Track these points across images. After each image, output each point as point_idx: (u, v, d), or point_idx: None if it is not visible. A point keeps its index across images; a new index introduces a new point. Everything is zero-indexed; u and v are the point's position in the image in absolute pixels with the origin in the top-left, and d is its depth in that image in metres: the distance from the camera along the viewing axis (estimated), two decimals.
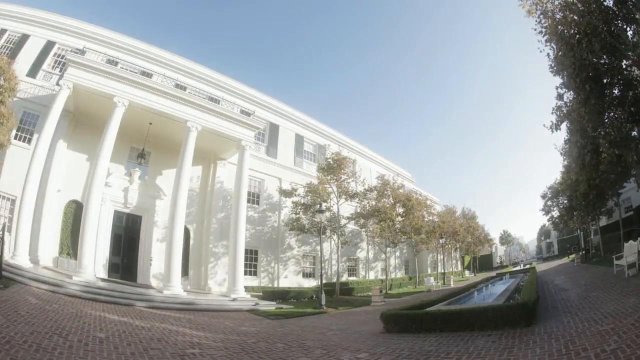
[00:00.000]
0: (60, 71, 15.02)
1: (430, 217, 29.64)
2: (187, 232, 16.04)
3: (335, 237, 19.75)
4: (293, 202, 19.38)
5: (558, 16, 9.43)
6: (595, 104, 9.27)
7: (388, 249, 23.49)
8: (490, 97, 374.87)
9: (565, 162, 21.18)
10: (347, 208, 23.24)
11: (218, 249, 16.98)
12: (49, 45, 15.79)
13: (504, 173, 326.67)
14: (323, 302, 13.66)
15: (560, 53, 9.71)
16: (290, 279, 20.59)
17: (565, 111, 11.07)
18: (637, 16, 8.04)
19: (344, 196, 20.24)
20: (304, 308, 13.53)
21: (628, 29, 8.67)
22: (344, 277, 23.05)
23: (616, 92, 9.60)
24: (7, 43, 15.29)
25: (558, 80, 10.51)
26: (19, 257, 10.37)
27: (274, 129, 22.64)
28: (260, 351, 5.60)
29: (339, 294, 17.70)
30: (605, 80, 9.37)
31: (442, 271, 35.54)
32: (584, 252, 28.37)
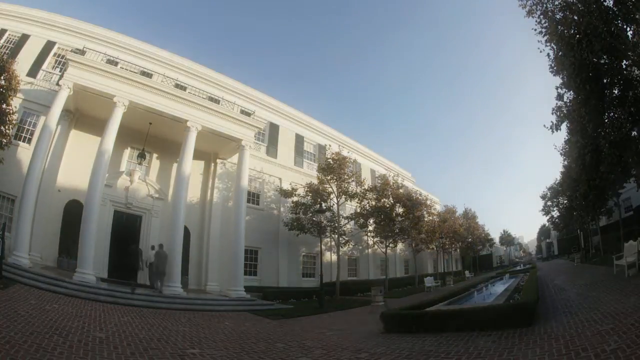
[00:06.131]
0: (60, 71, 15.01)
1: (431, 217, 29.61)
2: (187, 231, 16.02)
3: (335, 236, 19.73)
4: (293, 202, 19.36)
5: (558, 16, 9.43)
6: (595, 104, 9.27)
7: (388, 249, 23.46)
8: (490, 97, 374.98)
9: (566, 163, 21.16)
10: (347, 208, 23.23)
11: (218, 249, 16.96)
12: (49, 45, 15.77)
13: (504, 173, 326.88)
14: (323, 302, 13.66)
15: (560, 53, 9.71)
16: (290, 278, 20.55)
17: (565, 111, 11.06)
18: (637, 16, 8.04)
19: (344, 196, 20.22)
20: (304, 308, 13.52)
21: (628, 29, 8.66)
22: (344, 277, 23.02)
23: (616, 92, 9.59)
24: (7, 43, 15.27)
25: (558, 80, 10.51)
26: (19, 257, 10.36)
27: (274, 128, 22.62)
28: (260, 351, 5.60)
29: (339, 294, 17.69)
30: (605, 80, 9.37)
31: (442, 271, 35.52)
32: (584, 252, 28.39)
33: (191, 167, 14.64)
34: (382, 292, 16.25)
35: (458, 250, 42.50)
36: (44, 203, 12.78)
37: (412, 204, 24.18)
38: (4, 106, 10.95)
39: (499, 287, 14.40)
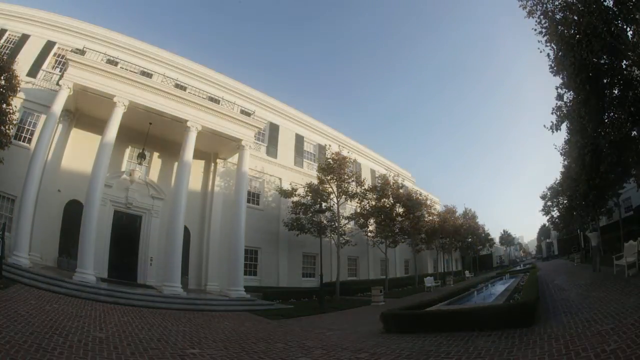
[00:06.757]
0: (60, 71, 14.99)
1: (431, 217, 29.62)
2: (187, 232, 16.03)
3: (335, 236, 19.73)
4: (293, 202, 19.36)
5: (558, 16, 9.42)
6: (595, 104, 9.27)
7: (388, 248, 23.47)
8: (490, 97, 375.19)
9: (566, 163, 21.14)
10: (347, 208, 23.22)
11: (218, 249, 16.96)
12: (49, 45, 15.77)
13: (504, 173, 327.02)
14: (323, 302, 13.66)
15: (560, 53, 9.71)
16: (290, 278, 20.56)
17: (565, 111, 11.06)
18: (637, 16, 8.03)
19: (344, 196, 20.22)
20: (304, 308, 13.52)
21: (628, 29, 8.66)
22: (344, 277, 23.02)
23: (616, 92, 9.59)
24: (7, 43, 15.27)
25: (558, 80, 10.51)
26: (19, 257, 10.36)
27: (274, 128, 22.62)
28: (260, 351, 5.60)
29: (339, 294, 17.68)
30: (605, 80, 9.37)
31: (442, 271, 35.51)
32: (584, 252, 28.38)
33: (191, 167, 14.63)
34: (382, 292, 16.28)
35: (458, 250, 42.48)
36: (44, 203, 12.77)
37: (412, 204, 24.18)
38: (4, 106, 10.96)
39: (499, 287, 14.41)
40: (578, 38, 8.84)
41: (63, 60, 15.31)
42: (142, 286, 13.77)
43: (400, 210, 23.77)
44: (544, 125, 11.54)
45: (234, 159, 17.58)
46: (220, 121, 15.66)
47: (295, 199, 19.41)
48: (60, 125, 13.74)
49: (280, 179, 21.73)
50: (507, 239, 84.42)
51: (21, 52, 14.90)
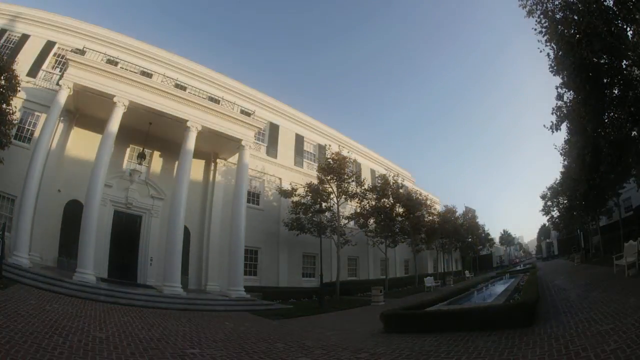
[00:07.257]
0: (60, 71, 15.00)
1: (431, 217, 29.64)
2: (187, 232, 16.02)
3: (335, 236, 19.74)
4: (293, 202, 19.37)
5: (558, 16, 9.42)
6: (595, 104, 9.26)
7: (388, 248, 23.47)
8: (490, 97, 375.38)
9: (565, 162, 21.11)
10: (347, 208, 23.21)
11: (218, 249, 16.97)
12: (49, 45, 15.77)
13: (505, 173, 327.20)
14: (323, 302, 13.66)
15: (560, 53, 9.70)
16: (290, 278, 20.56)
17: (565, 111, 11.04)
18: (637, 16, 8.03)
19: (344, 196, 20.22)
20: (304, 308, 13.53)
21: (628, 29, 8.66)
22: (344, 277, 23.02)
23: (616, 92, 9.58)
24: (7, 43, 15.27)
25: (558, 80, 10.49)
26: (19, 257, 10.36)
27: (274, 128, 22.62)
28: (260, 351, 5.60)
29: (339, 294, 17.68)
30: (605, 80, 9.36)
31: (442, 271, 35.53)
32: (584, 252, 28.43)
33: (191, 167, 14.63)
34: (382, 292, 16.28)
35: (458, 250, 42.49)
36: (44, 203, 12.77)
37: (412, 204, 24.19)
38: (4, 106, 10.95)
39: (499, 287, 14.43)
40: (578, 38, 8.83)
41: (63, 60, 15.32)
42: (142, 286, 13.77)
43: (400, 210, 23.77)
44: (544, 125, 11.52)
45: (234, 158, 17.59)
46: (220, 121, 15.66)
47: (296, 199, 19.41)
48: (61, 125, 13.75)
49: (280, 178, 21.73)
50: (507, 239, 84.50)
51: (21, 52, 14.90)
